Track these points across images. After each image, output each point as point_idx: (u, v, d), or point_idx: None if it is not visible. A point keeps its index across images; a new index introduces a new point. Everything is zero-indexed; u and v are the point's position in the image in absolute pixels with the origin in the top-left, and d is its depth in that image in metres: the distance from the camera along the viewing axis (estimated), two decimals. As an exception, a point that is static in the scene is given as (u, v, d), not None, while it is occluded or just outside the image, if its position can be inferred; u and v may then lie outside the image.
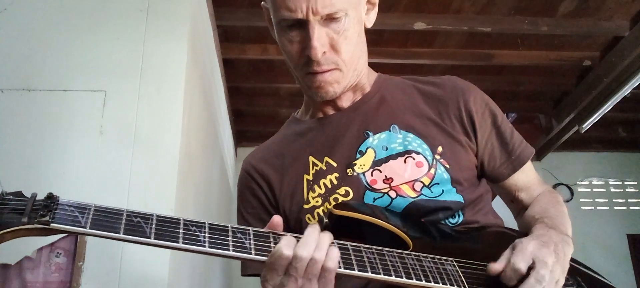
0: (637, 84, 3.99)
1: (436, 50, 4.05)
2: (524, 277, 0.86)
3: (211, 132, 3.43)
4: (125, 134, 2.15)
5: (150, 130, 2.18)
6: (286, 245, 0.78)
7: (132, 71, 2.25)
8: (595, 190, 6.05)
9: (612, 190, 6.07)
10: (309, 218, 1.04)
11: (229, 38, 3.87)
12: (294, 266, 0.77)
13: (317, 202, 1.04)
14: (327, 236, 0.81)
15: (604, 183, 6.07)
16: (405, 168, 1.02)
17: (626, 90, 4.11)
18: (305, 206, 1.05)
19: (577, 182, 5.94)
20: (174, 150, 2.18)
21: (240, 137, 5.48)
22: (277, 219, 0.84)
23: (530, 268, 0.86)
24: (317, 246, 0.79)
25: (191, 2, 2.51)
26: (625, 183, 6.09)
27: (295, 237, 0.82)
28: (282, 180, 1.09)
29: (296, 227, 1.05)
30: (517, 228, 1.12)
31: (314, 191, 1.05)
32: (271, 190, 1.10)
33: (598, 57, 4.16)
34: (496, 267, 0.88)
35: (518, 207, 1.17)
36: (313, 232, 0.81)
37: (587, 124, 4.67)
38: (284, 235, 0.82)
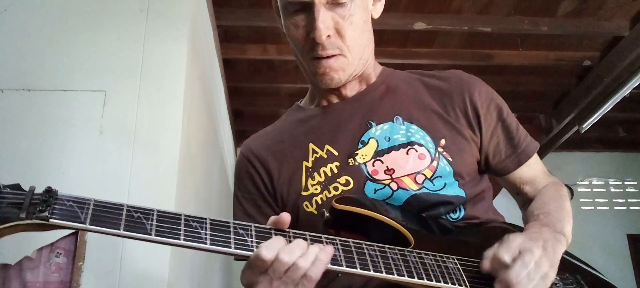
0: (637, 84, 4.00)
1: (436, 50, 4.05)
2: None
3: (211, 132, 3.43)
4: (125, 134, 2.15)
5: (150, 130, 2.18)
6: (267, 247, 0.76)
7: (132, 71, 2.25)
8: (595, 190, 6.05)
9: (612, 190, 6.07)
10: (306, 205, 1.03)
11: (229, 38, 3.87)
12: (272, 267, 0.76)
13: (316, 189, 1.03)
14: (316, 246, 0.79)
15: (604, 183, 6.07)
16: (407, 160, 1.01)
17: (626, 90, 4.11)
18: (304, 193, 1.04)
19: (577, 182, 5.95)
20: (174, 150, 2.18)
21: (240, 137, 5.48)
22: (285, 217, 0.83)
23: (516, 258, 0.85)
24: (303, 254, 0.77)
25: (191, 2, 2.51)
26: (625, 183, 6.09)
27: (296, 235, 0.81)
28: (281, 166, 1.08)
29: (293, 213, 1.03)
30: (518, 224, 1.12)
31: (313, 179, 1.04)
32: (269, 176, 1.09)
33: (598, 57, 4.16)
34: (485, 265, 0.87)
35: (523, 199, 1.16)
36: (303, 241, 0.80)
37: (587, 124, 4.68)
38: (286, 232, 0.82)
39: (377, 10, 1.09)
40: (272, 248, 0.76)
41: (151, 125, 2.19)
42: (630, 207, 6.00)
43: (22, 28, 2.28)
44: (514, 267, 0.83)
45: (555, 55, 4.17)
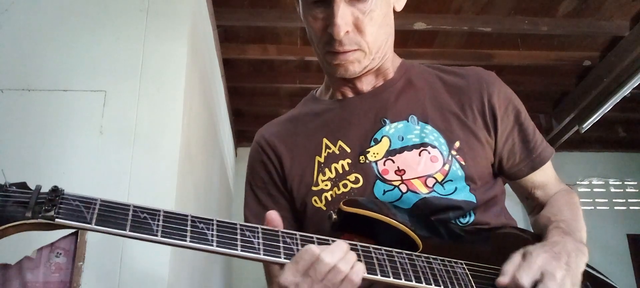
0: (637, 84, 4.00)
1: (436, 50, 4.05)
2: None
3: (211, 132, 3.43)
4: (125, 134, 2.15)
5: (150, 130, 2.18)
6: (316, 246, 0.77)
7: (132, 71, 2.25)
8: (595, 190, 6.05)
9: (612, 190, 6.07)
10: (315, 200, 1.02)
11: (229, 38, 3.87)
12: (314, 268, 0.76)
13: (327, 185, 1.02)
14: (354, 254, 0.80)
15: (604, 183, 6.07)
16: (419, 161, 0.99)
17: (626, 90, 4.11)
18: (314, 188, 1.03)
19: (577, 182, 5.94)
20: (174, 150, 2.18)
21: (240, 137, 5.48)
22: (273, 215, 0.82)
23: (538, 281, 0.84)
24: (344, 257, 0.77)
25: (191, 2, 2.51)
26: (625, 183, 6.09)
27: (304, 237, 0.81)
28: (293, 158, 1.07)
29: (301, 208, 1.04)
30: (527, 228, 1.10)
31: (324, 174, 1.03)
32: (281, 166, 1.08)
33: (598, 57, 4.16)
34: (503, 280, 0.86)
35: (533, 204, 1.14)
36: (343, 243, 0.80)
37: (587, 124, 4.68)
38: (293, 234, 0.81)
39: (400, 2, 1.06)
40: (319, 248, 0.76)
41: (151, 125, 2.19)
42: (630, 207, 5.99)
43: (22, 28, 2.28)
44: None
45: (555, 55, 4.17)
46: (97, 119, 2.15)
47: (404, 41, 3.94)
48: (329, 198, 1.01)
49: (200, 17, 2.86)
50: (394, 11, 1.06)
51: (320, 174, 1.03)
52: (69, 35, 2.28)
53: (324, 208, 1.01)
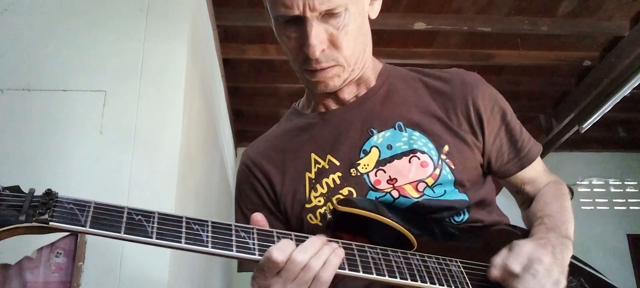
0: (637, 84, 4.00)
1: (436, 50, 4.05)
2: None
3: (211, 132, 3.43)
4: (125, 134, 2.15)
5: (150, 130, 2.18)
6: (279, 249, 0.76)
7: (132, 71, 2.25)
8: (595, 190, 6.05)
9: (612, 190, 6.07)
10: (310, 217, 1.01)
11: (229, 38, 3.87)
12: (286, 268, 0.75)
13: (320, 201, 1.01)
14: (329, 247, 0.79)
15: (604, 183, 6.07)
16: (410, 168, 0.99)
17: (626, 90, 4.11)
18: (307, 205, 1.02)
19: (577, 182, 5.94)
20: (174, 150, 2.18)
21: (240, 137, 5.48)
22: (259, 217, 0.82)
23: (527, 267, 0.85)
24: (316, 254, 0.77)
25: (191, 2, 2.51)
26: (625, 183, 6.09)
27: (299, 237, 0.81)
28: (283, 177, 1.06)
29: (297, 225, 1.03)
30: (520, 224, 1.11)
31: (316, 190, 1.02)
32: (272, 187, 1.07)
33: (598, 57, 4.16)
34: (494, 272, 0.87)
35: (523, 198, 1.16)
36: (317, 240, 0.79)
37: (587, 124, 4.68)
38: (288, 234, 0.81)
39: (375, 10, 1.05)
40: (284, 250, 0.75)
41: (151, 125, 2.19)
42: (630, 207, 5.99)
43: (22, 28, 2.28)
44: (524, 276, 0.84)
45: (555, 55, 4.17)
46: (97, 119, 2.15)
47: (404, 41, 3.94)
48: (324, 210, 1.00)
49: (200, 17, 2.86)
50: (370, 19, 1.05)
51: (313, 191, 1.02)
52: (69, 35, 2.28)
53: (320, 224, 1.00)
